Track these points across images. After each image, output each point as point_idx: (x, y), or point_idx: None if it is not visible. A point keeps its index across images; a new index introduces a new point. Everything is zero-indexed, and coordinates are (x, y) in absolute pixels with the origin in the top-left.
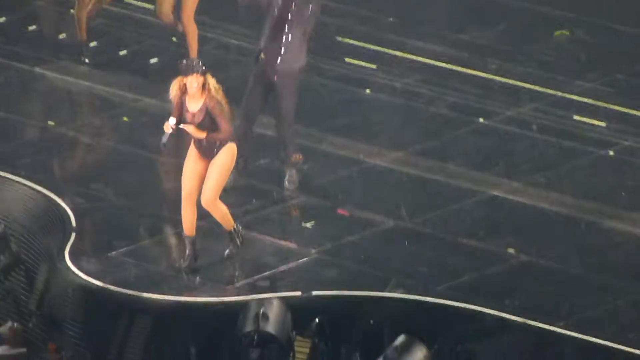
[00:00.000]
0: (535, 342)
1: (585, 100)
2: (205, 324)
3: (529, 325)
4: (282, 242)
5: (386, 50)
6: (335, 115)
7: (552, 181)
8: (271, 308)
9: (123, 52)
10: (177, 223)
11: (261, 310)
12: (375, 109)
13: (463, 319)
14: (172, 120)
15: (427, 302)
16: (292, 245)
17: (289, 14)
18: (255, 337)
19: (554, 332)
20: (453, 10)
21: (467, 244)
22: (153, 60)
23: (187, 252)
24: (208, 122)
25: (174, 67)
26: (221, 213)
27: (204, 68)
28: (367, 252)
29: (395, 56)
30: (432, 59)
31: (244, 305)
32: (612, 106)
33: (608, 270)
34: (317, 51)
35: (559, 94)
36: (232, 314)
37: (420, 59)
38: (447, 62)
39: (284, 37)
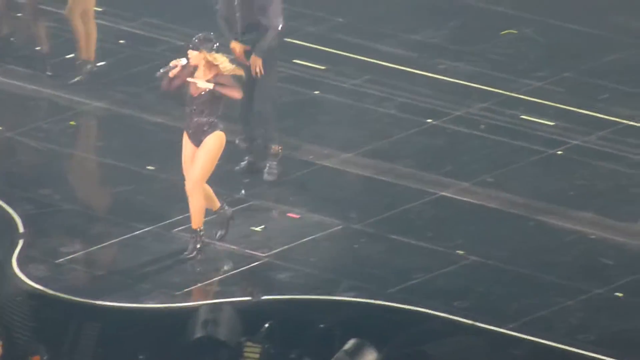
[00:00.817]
0: (485, 344)
1: (534, 99)
2: (155, 331)
3: (479, 326)
4: (233, 247)
5: (335, 51)
6: (285, 116)
7: (501, 181)
8: (221, 313)
9: (70, 56)
10: (130, 228)
11: (211, 316)
12: (325, 110)
13: (413, 321)
14: (184, 60)
15: (377, 305)
16: (242, 250)
17: None
18: (205, 343)
19: (504, 333)
20: (402, 11)
21: (416, 245)
22: (100, 64)
23: (191, 246)
24: (211, 97)
25: (122, 69)
26: (198, 204)
27: (203, 46)
28: (317, 255)
29: (344, 57)
30: (380, 59)
31: (194, 311)
32: (560, 105)
33: (558, 271)
34: None
35: (508, 93)
36: (181, 320)
37: (369, 59)
38: (395, 63)
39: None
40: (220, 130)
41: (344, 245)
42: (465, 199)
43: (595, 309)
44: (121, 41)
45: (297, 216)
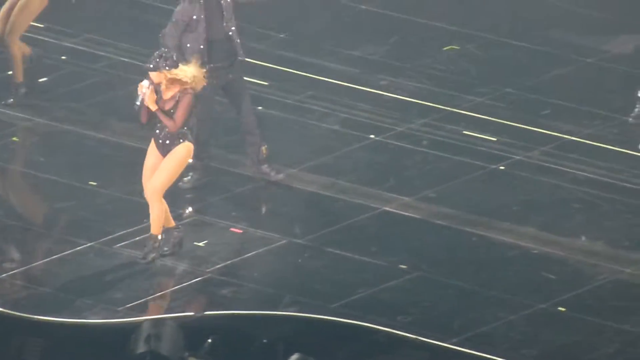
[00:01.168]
0: (429, 359)
1: (476, 115)
2: (98, 346)
3: (422, 341)
4: (176, 263)
5: (277, 67)
6: (229, 132)
7: (443, 196)
8: (163, 329)
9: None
10: (72, 243)
11: (154, 332)
12: (268, 126)
13: (356, 336)
14: (145, 82)
15: (321, 320)
16: (185, 266)
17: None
18: (148, 359)
19: (447, 348)
20: (343, 27)
21: (360, 260)
22: (42, 80)
23: (147, 249)
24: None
25: (63, 85)
26: (159, 211)
27: (161, 64)
28: (260, 270)
29: (287, 73)
30: (323, 75)
31: (137, 326)
32: (502, 121)
33: (501, 286)
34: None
35: (449, 109)
36: (124, 336)
37: (311, 75)
38: (338, 79)
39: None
40: (189, 142)
41: (287, 260)
42: (408, 213)
43: (538, 323)
44: (63, 57)
45: (240, 231)
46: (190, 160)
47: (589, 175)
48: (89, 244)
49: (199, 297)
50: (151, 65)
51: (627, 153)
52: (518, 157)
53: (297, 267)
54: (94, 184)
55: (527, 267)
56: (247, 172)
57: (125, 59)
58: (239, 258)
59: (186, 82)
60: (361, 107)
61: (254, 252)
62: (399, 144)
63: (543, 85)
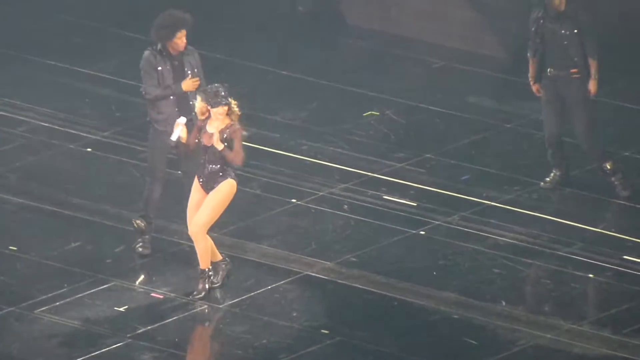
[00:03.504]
0: None
1: (396, 180)
2: None
3: None
4: (95, 327)
5: None
6: None
7: (364, 260)
8: None
9: None
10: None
11: None
12: (189, 190)
13: None
14: (183, 120)
15: None
16: (105, 330)
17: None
18: None
19: None
20: (262, 92)
21: (281, 325)
22: None
23: (201, 286)
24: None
25: None
26: (204, 246)
27: (229, 98)
28: (181, 335)
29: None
30: (244, 140)
31: None
32: (422, 186)
33: (422, 351)
34: (129, 133)
35: (370, 174)
36: None
37: None
38: (258, 143)
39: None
40: (232, 179)
41: (208, 325)
42: (329, 278)
43: None
44: None
45: (161, 296)
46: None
47: (509, 240)
48: (8, 309)
49: None
50: (216, 101)
51: (545, 218)
52: (438, 222)
53: (218, 333)
54: (14, 248)
55: (448, 332)
56: (168, 237)
57: (45, 124)
58: (159, 323)
59: (235, 118)
60: (283, 171)
61: (174, 317)
62: (320, 208)
63: (462, 150)
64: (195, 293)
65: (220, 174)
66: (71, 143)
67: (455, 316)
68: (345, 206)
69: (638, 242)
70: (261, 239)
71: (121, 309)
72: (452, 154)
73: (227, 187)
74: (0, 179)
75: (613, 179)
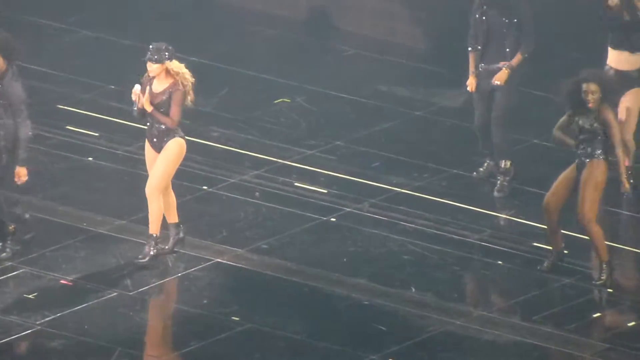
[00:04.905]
0: None
1: (307, 167)
2: None
3: None
4: (4, 315)
5: (108, 117)
6: (59, 183)
7: (275, 247)
8: None
9: None
10: None
11: None
12: (98, 177)
13: None
14: (137, 87)
15: None
16: (14, 318)
17: None
18: None
19: None
20: None
21: (191, 312)
22: None
23: (147, 249)
24: (168, 104)
25: None
26: (157, 208)
27: (165, 55)
28: (91, 322)
29: (117, 123)
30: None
31: None
32: (332, 173)
33: (332, 337)
34: (37, 119)
35: (281, 161)
36: None
37: (142, 126)
38: None
39: None
40: (180, 137)
41: (118, 312)
42: (240, 265)
43: None
44: None
45: (71, 283)
46: None
47: (418, 227)
48: None
49: (29, 350)
50: (155, 57)
51: (454, 205)
52: (348, 209)
53: (128, 320)
54: None
55: (358, 318)
56: (77, 224)
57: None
58: (69, 310)
59: (180, 74)
60: (193, 158)
61: (84, 305)
62: (231, 195)
63: (373, 138)
64: (140, 257)
65: (168, 132)
66: None
67: (366, 302)
68: (257, 193)
69: (546, 229)
70: None
71: (30, 296)
72: (363, 141)
73: (174, 146)
74: None
75: (501, 178)
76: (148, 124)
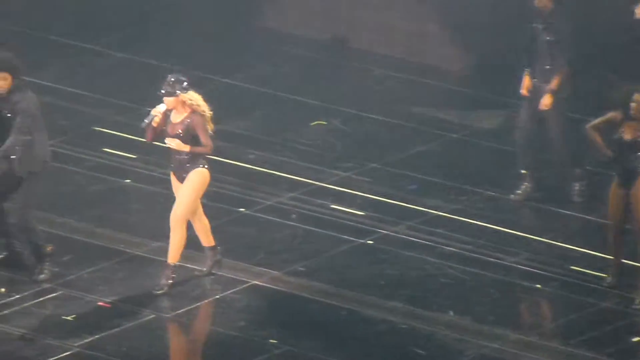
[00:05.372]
0: None
1: (343, 189)
2: None
3: None
4: (43, 336)
5: (144, 140)
6: (95, 205)
7: (312, 270)
8: None
9: None
10: None
11: None
12: (135, 199)
13: None
14: (162, 107)
15: None
16: (52, 340)
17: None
18: None
19: None
20: (211, 101)
21: (228, 334)
22: None
23: (164, 280)
24: (189, 136)
25: None
26: (179, 239)
27: (179, 88)
28: (129, 345)
29: (154, 145)
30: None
31: None
32: (369, 195)
33: None
34: (74, 141)
35: (317, 183)
36: None
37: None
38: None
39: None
40: (203, 167)
41: (156, 334)
42: (277, 287)
43: None
44: None
45: (109, 305)
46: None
47: (455, 250)
48: None
49: None
50: (167, 91)
51: (492, 228)
52: (385, 232)
53: (165, 342)
54: None
55: (396, 342)
56: (114, 246)
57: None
58: (107, 332)
59: (195, 106)
60: (230, 180)
61: (122, 327)
62: (268, 217)
63: (409, 160)
64: (156, 287)
65: (188, 164)
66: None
67: (403, 326)
68: (293, 215)
69: (585, 252)
70: None
71: (69, 318)
72: (399, 163)
73: (197, 177)
74: None
75: (577, 185)
76: (170, 151)
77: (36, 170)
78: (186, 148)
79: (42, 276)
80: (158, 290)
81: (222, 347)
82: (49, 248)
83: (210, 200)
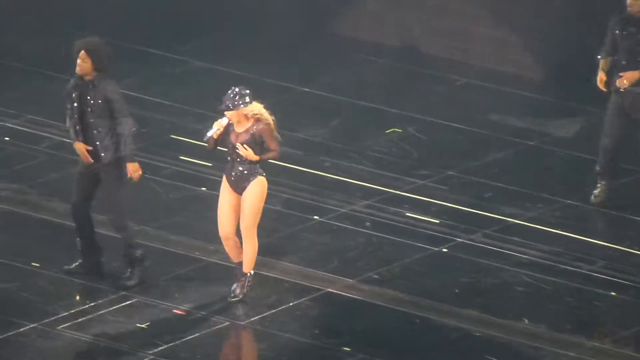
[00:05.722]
0: None
1: (418, 197)
2: None
3: None
4: (117, 344)
5: (221, 148)
6: (170, 213)
7: (386, 278)
8: None
9: None
10: (14, 324)
11: None
12: (210, 206)
13: None
14: (225, 121)
15: None
16: (127, 347)
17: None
18: None
19: None
20: (284, 109)
21: (302, 342)
22: None
23: (239, 290)
24: (252, 144)
25: (6, 166)
26: (252, 249)
27: (240, 102)
28: (203, 352)
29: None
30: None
31: None
32: (444, 203)
33: None
34: (152, 149)
35: (392, 190)
36: None
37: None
38: (281, 160)
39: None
40: (262, 176)
41: (230, 342)
42: (351, 295)
43: None
44: (6, 138)
45: (184, 313)
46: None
47: (531, 258)
48: (31, 325)
49: None
50: (230, 105)
51: (568, 236)
52: (460, 240)
53: (239, 350)
54: (36, 265)
55: (471, 349)
56: (190, 254)
57: (68, 140)
58: (181, 340)
59: (257, 117)
60: (305, 188)
61: (196, 334)
62: (342, 225)
63: (484, 167)
64: (232, 295)
65: (250, 173)
66: None
67: (478, 334)
68: (368, 223)
69: None
70: (283, 255)
71: (143, 326)
72: (475, 171)
73: (259, 187)
74: (23, 195)
75: None
76: (229, 160)
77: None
78: (256, 158)
79: (130, 282)
80: (233, 298)
81: (295, 354)
82: (138, 253)
83: (285, 207)
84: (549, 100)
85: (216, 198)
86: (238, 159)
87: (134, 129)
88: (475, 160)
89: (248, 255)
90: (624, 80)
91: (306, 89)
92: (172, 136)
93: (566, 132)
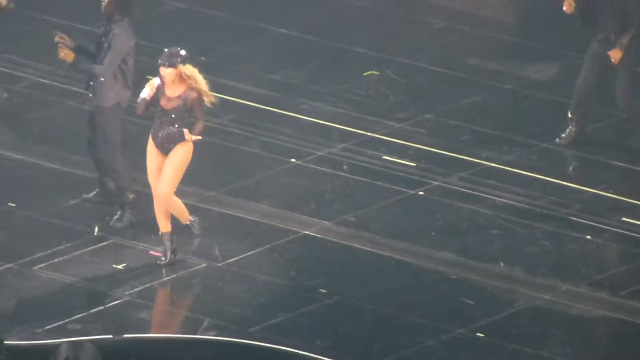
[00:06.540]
0: None
1: (395, 140)
2: None
3: None
4: (94, 285)
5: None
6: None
7: (363, 220)
8: (82, 351)
9: None
10: None
11: (72, 354)
12: None
13: None
14: (157, 80)
15: (240, 344)
16: (103, 288)
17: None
18: None
19: None
20: (261, 51)
21: (279, 283)
22: None
23: (165, 249)
24: (183, 108)
25: None
26: (176, 208)
27: (177, 60)
28: (180, 293)
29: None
30: (243, 98)
31: (55, 348)
32: (421, 146)
33: (419, 311)
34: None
35: (369, 134)
36: (42, 358)
37: (231, 98)
38: (258, 102)
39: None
40: (189, 140)
41: (207, 283)
42: (328, 237)
43: (456, 348)
44: None
45: (160, 254)
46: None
47: (507, 201)
48: (7, 265)
49: (117, 320)
50: (167, 62)
51: (544, 180)
52: (437, 183)
53: (216, 291)
54: (13, 205)
55: (446, 292)
56: None
57: (45, 80)
58: (157, 281)
59: (192, 78)
60: (282, 130)
61: (173, 276)
62: (319, 168)
63: (462, 111)
64: (162, 258)
65: (178, 135)
66: (71, 100)
67: (453, 276)
68: (345, 166)
69: (636, 203)
70: (260, 198)
71: (120, 267)
72: (452, 114)
73: (184, 151)
74: (0, 135)
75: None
76: (156, 122)
77: (105, 106)
78: (193, 137)
79: (119, 224)
80: (164, 261)
81: (272, 296)
82: (131, 196)
83: (263, 150)
84: (527, 44)
85: None
86: (166, 122)
87: (102, 78)
88: (452, 103)
89: (176, 213)
90: (615, 57)
91: (283, 30)
92: (147, 77)
93: (542, 76)
